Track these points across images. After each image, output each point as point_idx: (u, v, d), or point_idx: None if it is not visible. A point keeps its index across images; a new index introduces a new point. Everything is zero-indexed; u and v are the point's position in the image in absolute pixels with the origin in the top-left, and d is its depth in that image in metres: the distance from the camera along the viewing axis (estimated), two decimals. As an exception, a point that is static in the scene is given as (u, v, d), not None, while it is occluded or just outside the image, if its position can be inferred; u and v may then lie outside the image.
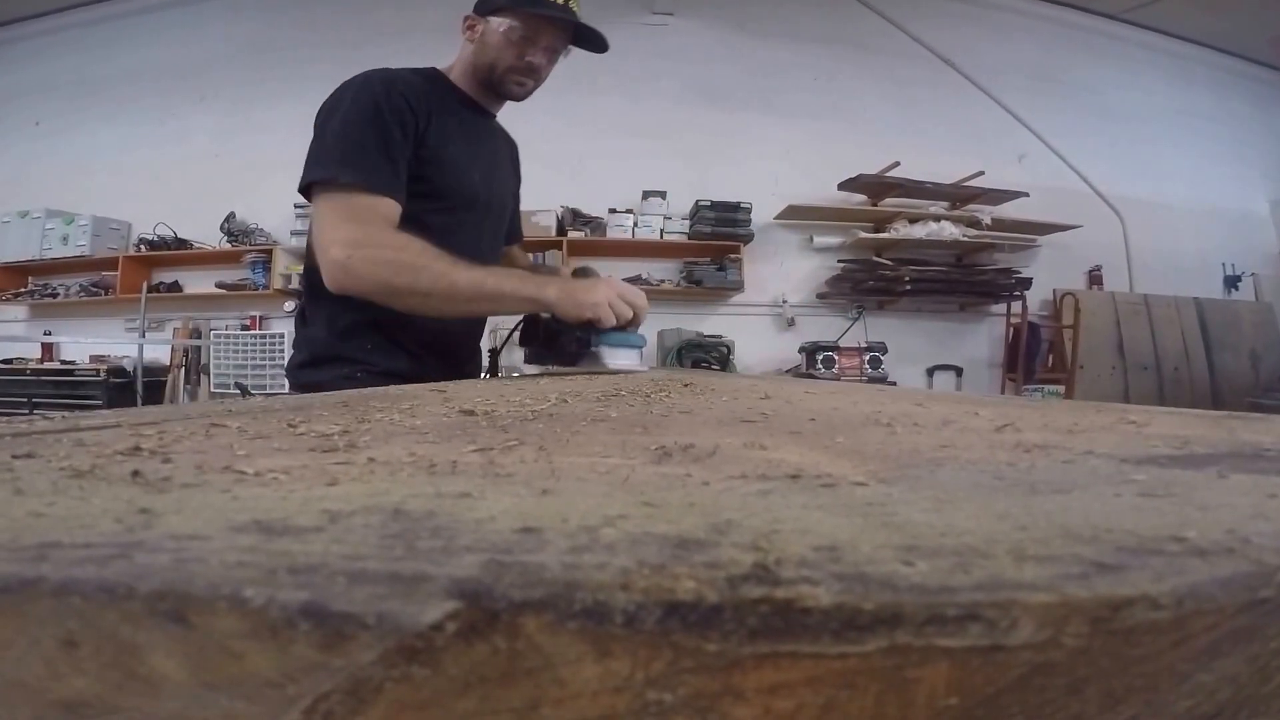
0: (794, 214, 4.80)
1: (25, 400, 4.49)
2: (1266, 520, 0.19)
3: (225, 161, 4.97)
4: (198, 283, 4.90)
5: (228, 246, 4.78)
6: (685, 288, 4.69)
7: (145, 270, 4.89)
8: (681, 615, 0.13)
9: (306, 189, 1.27)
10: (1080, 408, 0.57)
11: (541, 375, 1.27)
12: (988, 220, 4.80)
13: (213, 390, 4.40)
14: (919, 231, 4.68)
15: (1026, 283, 4.91)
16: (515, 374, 1.62)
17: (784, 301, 4.92)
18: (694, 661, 0.13)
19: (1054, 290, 5.20)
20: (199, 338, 4.85)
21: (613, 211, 4.64)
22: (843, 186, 4.69)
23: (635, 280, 4.65)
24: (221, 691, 0.13)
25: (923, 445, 0.34)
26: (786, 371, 4.66)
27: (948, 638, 0.14)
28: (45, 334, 4.99)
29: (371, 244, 1.20)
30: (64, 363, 4.86)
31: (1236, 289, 5.65)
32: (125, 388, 4.52)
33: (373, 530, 0.17)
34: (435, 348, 1.41)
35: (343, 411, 0.47)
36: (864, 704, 0.14)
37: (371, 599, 0.13)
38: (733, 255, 4.68)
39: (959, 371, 5.11)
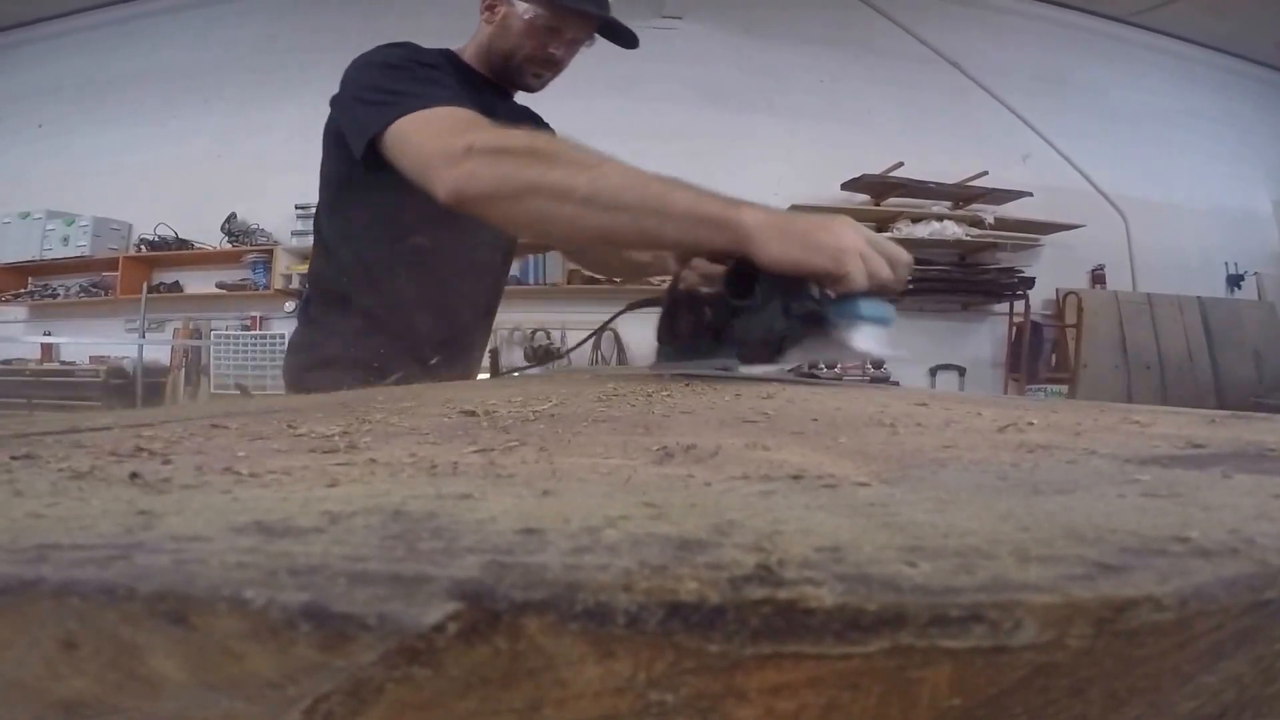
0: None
1: (25, 401, 4.50)
2: (1271, 521, 0.19)
3: (227, 163, 4.99)
4: (198, 283, 4.91)
5: (228, 247, 4.79)
6: (686, 288, 4.68)
7: (145, 271, 4.90)
8: (684, 616, 0.13)
9: (374, 139, 1.05)
10: (1083, 407, 0.57)
11: (661, 377, 0.90)
12: (990, 220, 4.80)
13: (213, 391, 4.41)
14: (921, 231, 4.68)
15: (1029, 282, 4.91)
16: (515, 374, 1.60)
17: (786, 301, 4.92)
18: (696, 662, 0.13)
19: (1057, 290, 5.20)
20: (199, 338, 4.85)
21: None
22: (846, 187, 4.70)
23: (637, 280, 4.65)
24: (221, 692, 0.13)
25: (925, 445, 0.34)
26: (788, 371, 4.66)
27: (951, 639, 0.14)
28: (45, 334, 5.00)
29: (493, 133, 0.97)
30: (63, 363, 4.88)
31: (1239, 288, 5.65)
32: (125, 388, 4.53)
33: (374, 531, 0.17)
34: (441, 350, 1.33)
35: (343, 412, 0.47)
36: (867, 705, 0.14)
37: (372, 600, 0.13)
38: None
39: (962, 371, 5.11)
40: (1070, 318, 4.91)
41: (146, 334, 4.69)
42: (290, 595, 0.13)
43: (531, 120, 1.43)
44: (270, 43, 5.15)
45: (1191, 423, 0.46)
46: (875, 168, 4.63)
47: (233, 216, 4.78)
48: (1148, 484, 0.24)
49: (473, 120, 0.99)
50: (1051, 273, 5.20)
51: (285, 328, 4.54)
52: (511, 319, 4.49)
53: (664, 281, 1.06)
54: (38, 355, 4.93)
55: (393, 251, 1.27)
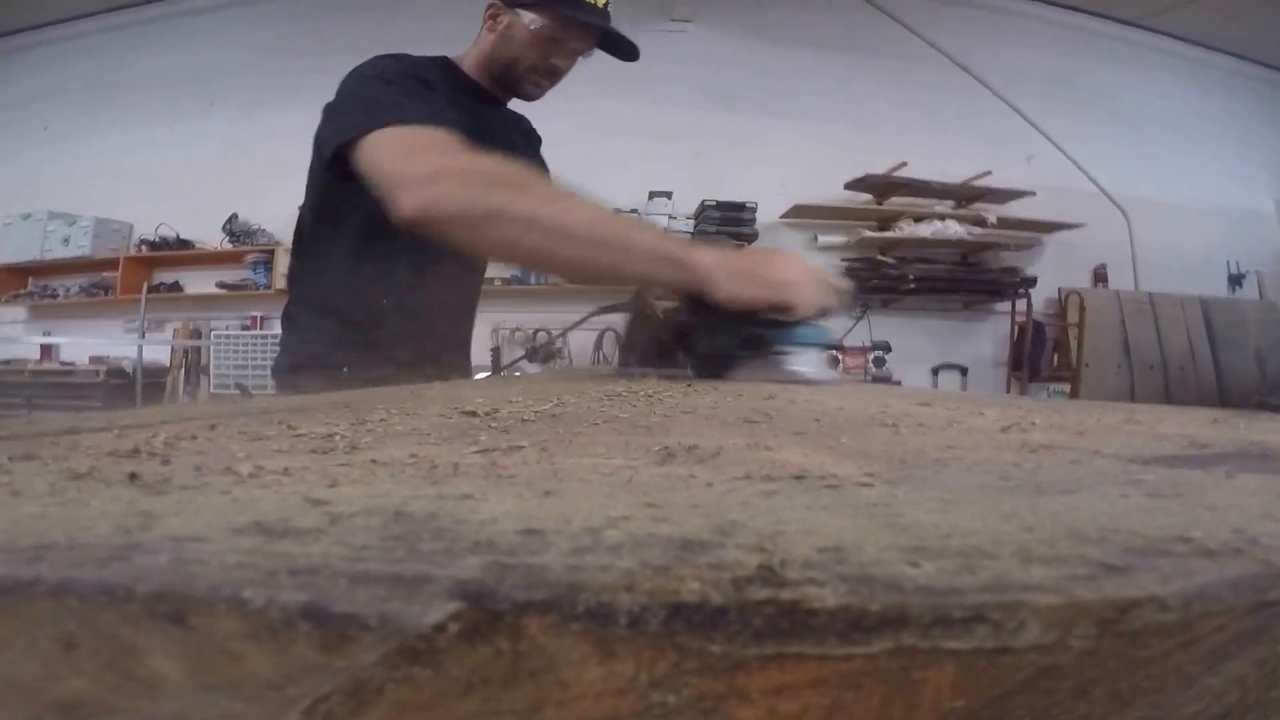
0: (799, 213, 4.81)
1: (24, 401, 4.50)
2: (1275, 521, 0.19)
3: (230, 165, 5.00)
4: (198, 283, 4.91)
5: (229, 247, 4.79)
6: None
7: (146, 271, 4.91)
8: (686, 617, 0.13)
9: (344, 146, 1.04)
10: (1086, 407, 0.57)
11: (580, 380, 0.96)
12: (993, 219, 4.80)
13: (213, 391, 4.41)
14: (924, 230, 4.68)
15: (1031, 281, 4.91)
16: (516, 373, 1.61)
17: (787, 301, 4.92)
18: (698, 663, 0.13)
19: (1059, 289, 5.19)
20: (199, 338, 4.86)
21: (617, 212, 4.64)
22: (849, 186, 4.70)
23: (638, 280, 4.63)
24: (221, 693, 0.13)
25: (928, 445, 0.34)
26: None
27: (954, 639, 0.13)
28: (45, 335, 5.00)
29: (461, 161, 0.96)
30: (63, 364, 4.88)
31: (1241, 287, 5.64)
32: (124, 389, 4.53)
33: (374, 532, 0.17)
34: (420, 354, 1.32)
35: (343, 412, 0.47)
36: (869, 706, 0.14)
37: (373, 600, 0.13)
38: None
39: (964, 371, 5.11)
40: (1072, 317, 4.90)
41: (146, 334, 4.69)
42: (290, 595, 0.13)
43: (524, 129, 1.47)
44: (276, 47, 5.16)
45: (1194, 422, 0.46)
46: (879, 168, 4.63)
47: (234, 217, 4.78)
48: (1151, 484, 0.24)
49: (447, 141, 0.98)
50: (1053, 272, 5.19)
51: (285, 328, 4.55)
52: (512, 319, 4.49)
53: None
54: (37, 356, 4.94)
55: (366, 257, 1.28)
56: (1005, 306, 5.03)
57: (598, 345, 4.32)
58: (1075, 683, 0.14)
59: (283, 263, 4.69)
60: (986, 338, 5.22)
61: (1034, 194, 4.83)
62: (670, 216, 4.65)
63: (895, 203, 4.87)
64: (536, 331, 4.49)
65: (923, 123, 5.16)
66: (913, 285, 4.64)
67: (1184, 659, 0.15)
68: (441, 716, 0.13)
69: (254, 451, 0.30)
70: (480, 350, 1.84)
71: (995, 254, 5.00)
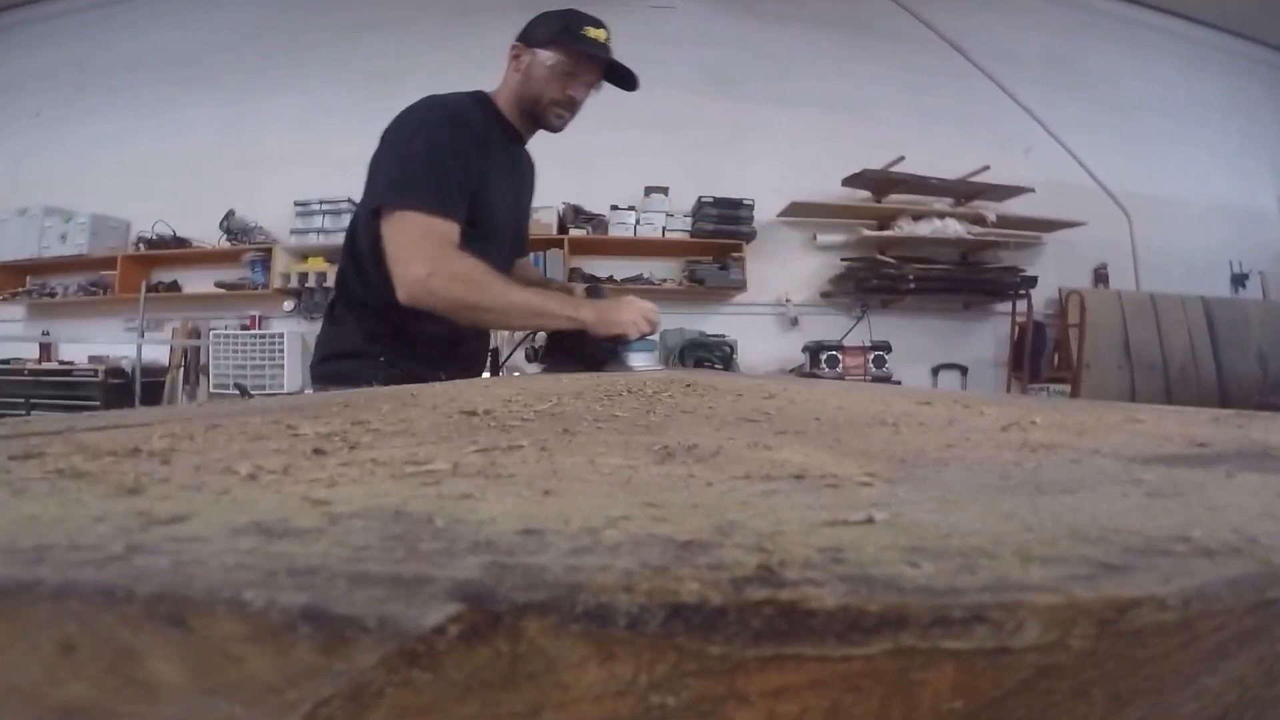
0: (797, 211, 4.79)
1: (23, 401, 4.50)
2: (1274, 520, 0.19)
3: (224, 157, 4.95)
4: (197, 282, 4.89)
5: (227, 245, 4.77)
6: (687, 287, 4.68)
7: (144, 270, 4.88)
8: (685, 618, 0.13)
9: (380, 208, 1.39)
10: (1086, 407, 0.57)
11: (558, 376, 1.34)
12: (992, 217, 4.78)
13: (212, 391, 4.40)
14: (923, 229, 4.67)
15: (1032, 281, 4.90)
16: (516, 373, 1.66)
17: (787, 300, 4.91)
18: (697, 664, 0.13)
19: (1059, 289, 5.18)
20: (198, 338, 4.85)
21: (614, 208, 4.63)
22: (847, 182, 4.68)
23: (636, 279, 4.64)
24: (221, 696, 0.13)
25: (928, 445, 0.34)
26: (790, 371, 4.66)
27: (953, 640, 0.13)
28: (43, 334, 4.99)
29: (448, 265, 1.34)
30: (62, 363, 4.85)
31: (1244, 287, 5.63)
32: (124, 388, 4.51)
33: (374, 532, 0.17)
34: (448, 351, 1.54)
35: (343, 412, 0.47)
36: (869, 707, 0.14)
37: (372, 602, 0.13)
38: (735, 253, 4.67)
39: (964, 371, 5.11)
40: (1073, 317, 4.89)
41: (145, 333, 4.68)
42: (290, 597, 0.13)
43: (530, 167, 1.76)
44: (270, 28, 5.07)
45: (1195, 422, 0.46)
46: (876, 161, 4.60)
47: (231, 214, 4.76)
48: (1151, 483, 0.24)
49: (444, 240, 1.36)
50: (1054, 271, 5.18)
51: (285, 327, 4.53)
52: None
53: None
54: (36, 355, 4.93)
55: None
56: (1005, 306, 5.02)
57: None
58: (1075, 683, 0.14)
59: (281, 262, 4.68)
60: (987, 338, 5.20)
61: (1033, 190, 4.82)
62: (668, 214, 4.63)
63: (894, 200, 4.85)
64: (536, 332, 4.49)
65: (919, 112, 5.12)
66: (912, 285, 4.63)
67: (1183, 658, 0.15)
68: (441, 719, 0.13)
69: (253, 451, 0.30)
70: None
71: (995, 253, 4.99)
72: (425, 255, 1.34)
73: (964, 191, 4.85)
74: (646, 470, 0.26)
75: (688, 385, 0.77)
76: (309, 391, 1.80)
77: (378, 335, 1.49)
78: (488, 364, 1.89)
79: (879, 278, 4.70)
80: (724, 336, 4.41)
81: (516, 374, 1.66)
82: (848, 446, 0.34)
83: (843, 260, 4.87)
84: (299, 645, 0.13)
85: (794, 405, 0.55)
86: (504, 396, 0.59)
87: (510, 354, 1.94)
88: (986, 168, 4.74)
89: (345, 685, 0.13)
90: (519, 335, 1.75)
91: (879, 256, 4.79)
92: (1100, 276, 5.33)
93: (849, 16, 5.20)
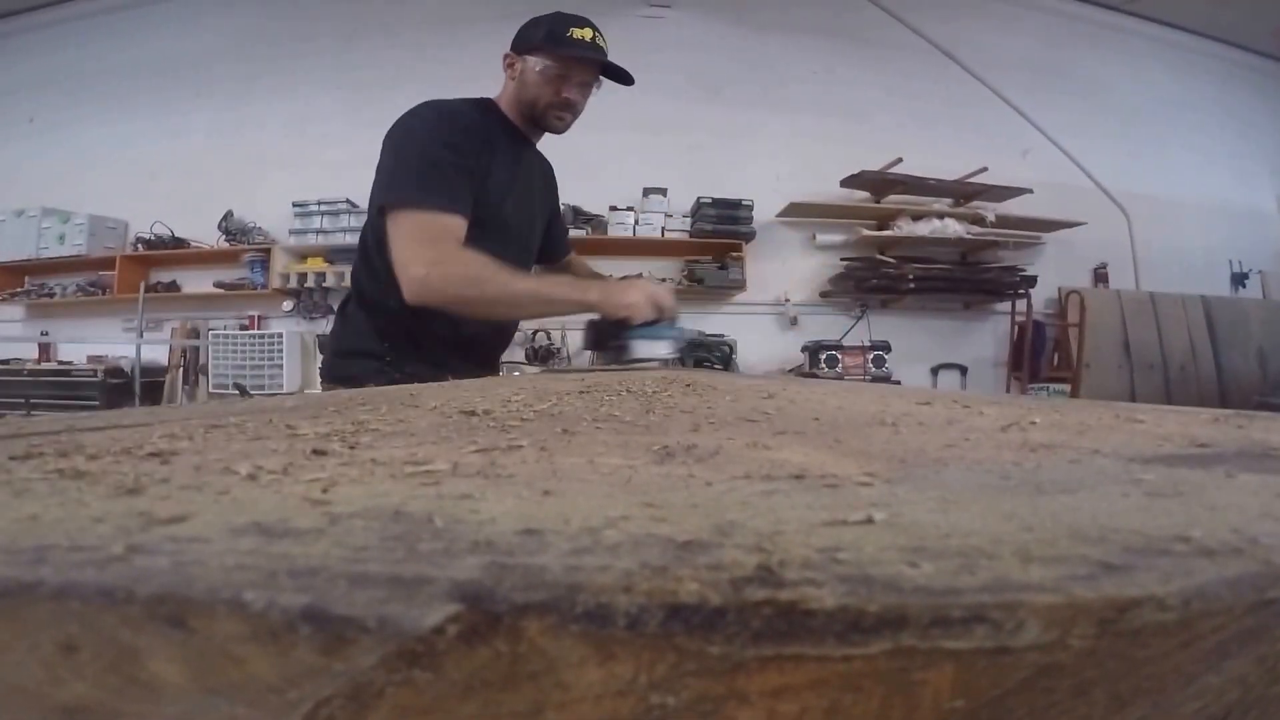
0: (796, 211, 4.80)
1: (22, 401, 4.49)
2: (1274, 520, 0.19)
3: (222, 158, 4.96)
4: (195, 282, 4.89)
5: (225, 245, 4.77)
6: (687, 287, 4.67)
7: (143, 270, 4.88)
8: (684, 618, 0.13)
9: (384, 208, 1.40)
10: (1086, 407, 0.57)
11: (584, 371, 1.41)
12: (992, 217, 4.78)
13: (211, 391, 4.40)
14: (922, 229, 4.67)
15: (1031, 281, 4.89)
16: (516, 373, 1.66)
17: (787, 300, 4.91)
18: (697, 664, 0.13)
19: (1059, 288, 5.18)
20: (197, 338, 4.84)
21: (614, 209, 4.63)
22: (845, 183, 4.68)
23: (636, 279, 4.64)
24: (222, 696, 0.13)
25: (928, 445, 0.34)
26: (790, 371, 4.66)
27: (953, 640, 0.13)
28: (42, 334, 4.99)
29: (447, 261, 1.34)
30: (61, 363, 4.85)
31: (1244, 286, 5.63)
32: (123, 388, 4.51)
33: (373, 532, 0.17)
34: (458, 352, 1.53)
35: (343, 413, 0.47)
36: (869, 707, 0.14)
37: (372, 602, 0.13)
38: (735, 253, 4.67)
39: (964, 370, 5.10)
40: (1073, 316, 4.89)
41: (144, 334, 4.68)
42: (290, 597, 0.13)
43: (542, 167, 1.76)
44: (264, 33, 5.07)
45: (1195, 422, 0.46)
46: (875, 163, 4.61)
47: (229, 214, 4.76)
48: (1151, 483, 0.24)
49: (445, 236, 1.36)
50: (1053, 271, 5.18)
51: (284, 327, 4.53)
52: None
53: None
54: (35, 355, 4.92)
55: None
56: (1005, 306, 5.02)
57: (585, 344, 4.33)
58: (1075, 682, 0.14)
59: (280, 261, 4.67)
60: (986, 337, 5.20)
61: (1031, 191, 4.82)
62: (667, 214, 4.64)
63: (893, 200, 4.85)
64: (535, 332, 4.49)
65: (915, 116, 5.13)
66: (912, 285, 4.63)
67: (1184, 658, 0.15)
68: (442, 719, 0.13)
69: (253, 451, 0.30)
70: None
71: (995, 253, 4.99)
72: (424, 255, 1.34)
73: (963, 192, 4.85)
74: (646, 470, 0.26)
75: (687, 385, 0.77)
76: (316, 390, 1.80)
77: (387, 334, 1.49)
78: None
79: (878, 277, 4.70)
80: (723, 336, 4.41)
81: (516, 374, 1.66)
82: (847, 446, 0.34)
83: (842, 260, 4.87)
84: (299, 645, 0.13)
85: (793, 405, 0.55)
86: (503, 396, 0.59)
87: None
88: (984, 169, 4.74)
89: (345, 685, 0.13)
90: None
91: (878, 256, 4.79)
92: (1100, 276, 5.33)
93: (841, 26, 5.22)
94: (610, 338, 1.48)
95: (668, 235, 4.66)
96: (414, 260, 1.34)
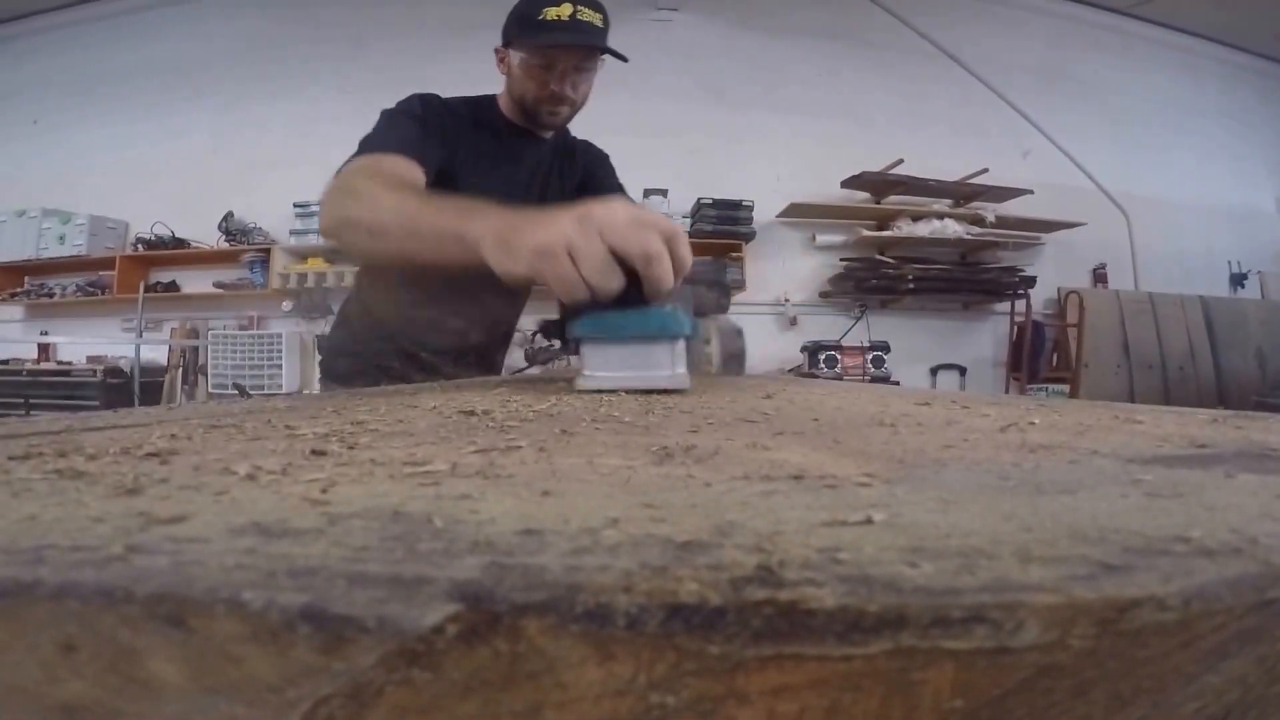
0: (796, 212, 4.80)
1: (21, 401, 4.49)
2: (1274, 520, 0.19)
3: (223, 160, 4.97)
4: (195, 282, 4.90)
5: (225, 246, 4.78)
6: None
7: (142, 270, 4.89)
8: (684, 617, 0.13)
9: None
10: (1085, 407, 0.57)
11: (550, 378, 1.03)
12: (991, 218, 4.79)
13: (210, 391, 4.40)
14: (922, 229, 4.68)
15: (1030, 281, 4.90)
16: (515, 374, 1.64)
17: (786, 300, 4.92)
18: (697, 664, 0.13)
19: (1058, 289, 5.19)
20: (197, 338, 4.85)
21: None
22: (846, 184, 4.69)
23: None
24: (221, 695, 0.13)
25: (927, 445, 0.34)
26: (789, 371, 4.66)
27: (953, 640, 0.13)
28: (41, 334, 4.99)
29: (352, 180, 1.06)
30: (60, 363, 4.86)
31: (1243, 287, 5.64)
32: (122, 388, 4.51)
33: (372, 532, 0.17)
34: (452, 356, 1.46)
35: (342, 413, 0.47)
36: (869, 706, 0.14)
37: (372, 602, 0.13)
38: (734, 254, 4.68)
39: (963, 371, 5.11)
40: (1072, 317, 4.90)
41: (144, 334, 4.68)
42: (289, 597, 0.13)
43: (561, 159, 1.52)
44: (268, 37, 5.11)
45: (1194, 422, 0.46)
46: (875, 164, 4.62)
47: (230, 215, 4.77)
48: (1151, 484, 0.24)
49: (371, 167, 1.09)
50: (1053, 271, 5.19)
51: (283, 328, 4.53)
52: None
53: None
54: (34, 355, 4.93)
55: (417, 275, 1.33)
56: (1004, 306, 5.03)
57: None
58: (1075, 682, 0.14)
59: (279, 262, 4.68)
60: (985, 338, 5.21)
61: (1032, 192, 4.83)
62: (666, 215, 4.64)
63: (893, 201, 4.86)
64: (535, 333, 4.49)
65: (917, 118, 5.15)
66: (911, 285, 4.63)
67: (1184, 658, 0.15)
68: (441, 719, 0.13)
69: (252, 452, 0.30)
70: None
71: (994, 253, 5.00)
72: (337, 181, 1.09)
73: (963, 193, 4.86)
74: (645, 471, 0.26)
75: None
76: (315, 389, 1.81)
77: (379, 336, 1.45)
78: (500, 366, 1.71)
79: (878, 278, 4.71)
80: (722, 337, 4.40)
81: (516, 374, 1.65)
82: (846, 447, 0.34)
83: (842, 260, 4.88)
84: (298, 645, 0.13)
85: (792, 405, 0.55)
86: (503, 397, 0.59)
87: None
88: (985, 170, 4.75)
89: (345, 684, 0.13)
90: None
91: (878, 257, 4.80)
92: (1099, 276, 5.33)
93: (846, 29, 5.24)
94: (550, 333, 0.85)
95: (667, 236, 4.65)
96: (330, 189, 1.07)
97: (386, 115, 1.28)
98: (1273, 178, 5.98)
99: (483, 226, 0.77)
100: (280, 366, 4.29)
